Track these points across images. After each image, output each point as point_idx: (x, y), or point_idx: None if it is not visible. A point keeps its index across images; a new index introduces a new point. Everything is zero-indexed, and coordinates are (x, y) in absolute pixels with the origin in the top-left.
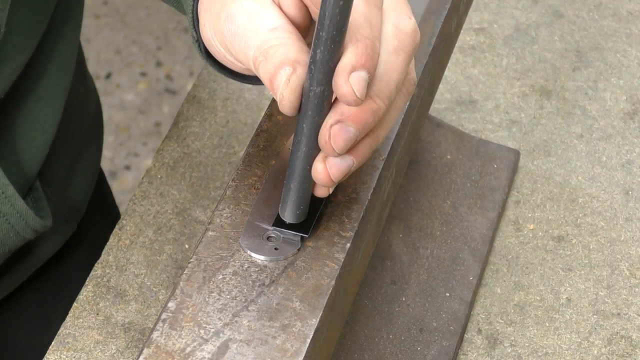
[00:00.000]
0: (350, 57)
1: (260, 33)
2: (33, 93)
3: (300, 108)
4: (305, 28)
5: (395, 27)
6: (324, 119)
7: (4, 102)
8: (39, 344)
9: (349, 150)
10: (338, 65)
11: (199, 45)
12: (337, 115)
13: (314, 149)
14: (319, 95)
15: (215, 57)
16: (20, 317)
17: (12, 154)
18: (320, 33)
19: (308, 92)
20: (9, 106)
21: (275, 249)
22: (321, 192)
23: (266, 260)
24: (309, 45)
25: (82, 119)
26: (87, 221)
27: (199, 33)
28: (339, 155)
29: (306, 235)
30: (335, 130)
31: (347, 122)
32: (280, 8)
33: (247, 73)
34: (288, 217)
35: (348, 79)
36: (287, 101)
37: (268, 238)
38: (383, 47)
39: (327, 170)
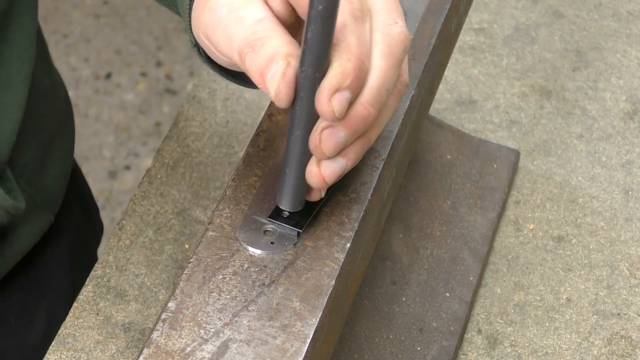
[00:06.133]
0: (336, 75)
1: (246, 24)
2: None
3: None
4: (290, 25)
5: (383, 32)
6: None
7: None
8: (23, 343)
9: (341, 152)
10: (323, 82)
11: (198, 50)
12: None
13: (309, 132)
14: (309, 77)
15: (208, 54)
16: (2, 316)
17: None
18: (311, 11)
19: (300, 74)
20: None
21: (272, 243)
22: (315, 195)
23: (262, 254)
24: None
25: (50, 110)
26: (65, 215)
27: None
28: (330, 158)
29: (300, 231)
30: (325, 134)
31: (337, 127)
32: (266, 3)
33: (231, 67)
34: (284, 204)
35: (330, 99)
36: (284, 94)
37: (265, 232)
38: (372, 52)
39: (321, 173)
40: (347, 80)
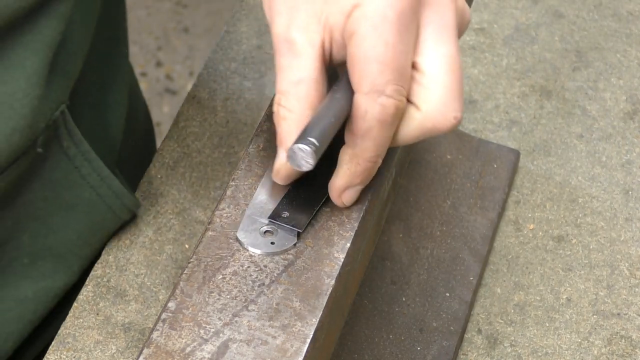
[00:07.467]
0: (346, 177)
1: (288, 76)
2: (101, 81)
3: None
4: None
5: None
6: None
7: (82, 89)
8: None
9: None
10: (334, 183)
11: None
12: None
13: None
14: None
15: None
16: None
17: (97, 139)
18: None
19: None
20: (86, 94)
21: (272, 243)
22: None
23: (262, 254)
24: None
25: (139, 109)
26: None
27: None
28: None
29: (301, 231)
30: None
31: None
32: (323, 48)
33: None
34: (301, 139)
35: (341, 195)
36: (279, 178)
37: (265, 232)
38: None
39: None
40: (356, 180)
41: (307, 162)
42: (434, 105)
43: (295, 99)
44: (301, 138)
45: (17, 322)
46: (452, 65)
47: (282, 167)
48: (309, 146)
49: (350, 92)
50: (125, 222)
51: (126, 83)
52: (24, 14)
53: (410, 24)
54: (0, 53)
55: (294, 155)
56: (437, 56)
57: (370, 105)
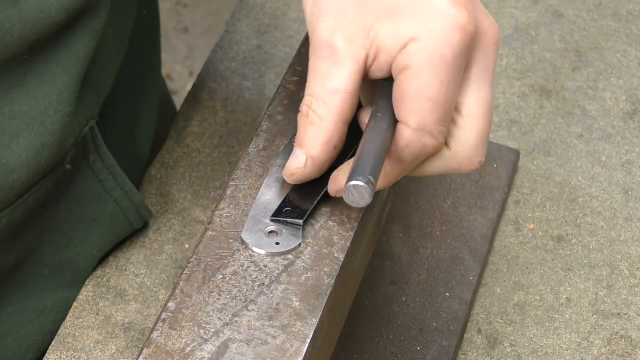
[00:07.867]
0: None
1: (325, 83)
2: (132, 96)
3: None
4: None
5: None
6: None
7: (112, 105)
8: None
9: None
10: (341, 181)
11: None
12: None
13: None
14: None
15: None
16: None
17: (125, 154)
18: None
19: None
20: (117, 110)
21: (277, 243)
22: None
23: (267, 255)
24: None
25: (166, 127)
26: None
27: None
28: None
29: (301, 221)
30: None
31: None
32: (366, 63)
33: None
34: (359, 175)
35: (339, 191)
36: (292, 181)
37: (269, 233)
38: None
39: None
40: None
41: (364, 199)
42: (465, 148)
43: (327, 107)
44: (359, 175)
45: (37, 334)
46: (488, 111)
47: (299, 171)
48: (368, 185)
49: (393, 121)
50: None
51: (157, 97)
52: (56, 30)
53: (463, 64)
54: (33, 69)
55: (351, 190)
56: (477, 101)
57: (413, 140)
